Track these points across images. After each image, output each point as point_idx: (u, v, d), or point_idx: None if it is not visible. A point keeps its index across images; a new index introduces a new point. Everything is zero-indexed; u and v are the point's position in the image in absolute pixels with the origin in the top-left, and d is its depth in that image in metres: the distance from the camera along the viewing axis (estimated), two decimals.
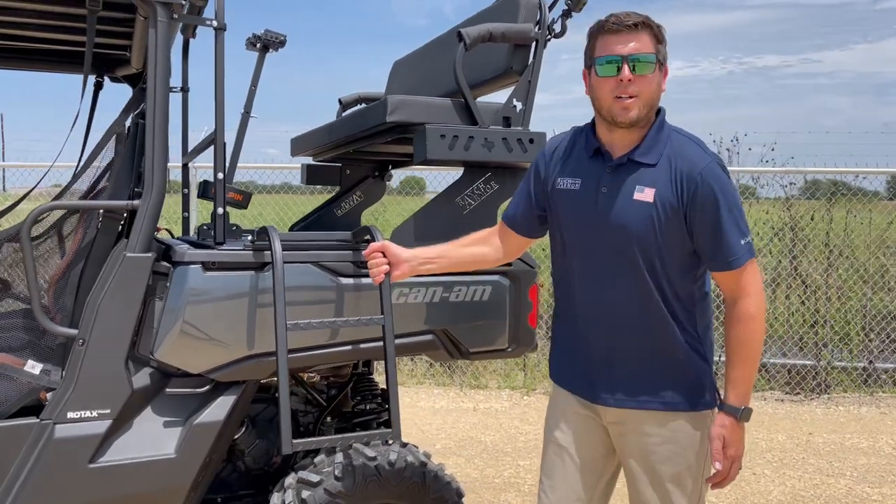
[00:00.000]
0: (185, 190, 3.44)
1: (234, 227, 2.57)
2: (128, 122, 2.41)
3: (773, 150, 7.33)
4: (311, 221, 3.48)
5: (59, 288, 2.23)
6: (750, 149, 7.32)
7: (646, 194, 1.86)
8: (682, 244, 1.88)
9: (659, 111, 1.94)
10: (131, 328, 2.19)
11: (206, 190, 2.88)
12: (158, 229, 3.25)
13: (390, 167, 3.54)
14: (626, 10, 1.85)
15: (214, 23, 2.32)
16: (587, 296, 1.98)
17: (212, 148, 2.32)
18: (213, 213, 2.37)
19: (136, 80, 3.48)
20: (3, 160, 8.76)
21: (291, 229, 3.54)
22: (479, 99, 3.15)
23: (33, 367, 2.17)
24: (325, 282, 2.35)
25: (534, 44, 2.64)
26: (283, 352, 2.15)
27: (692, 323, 1.96)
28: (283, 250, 2.30)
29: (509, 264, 2.58)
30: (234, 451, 2.68)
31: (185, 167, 3.52)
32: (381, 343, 2.41)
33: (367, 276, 2.39)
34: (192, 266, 2.22)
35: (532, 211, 2.12)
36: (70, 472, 2.11)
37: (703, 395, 1.96)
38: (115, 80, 3.55)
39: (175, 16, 2.30)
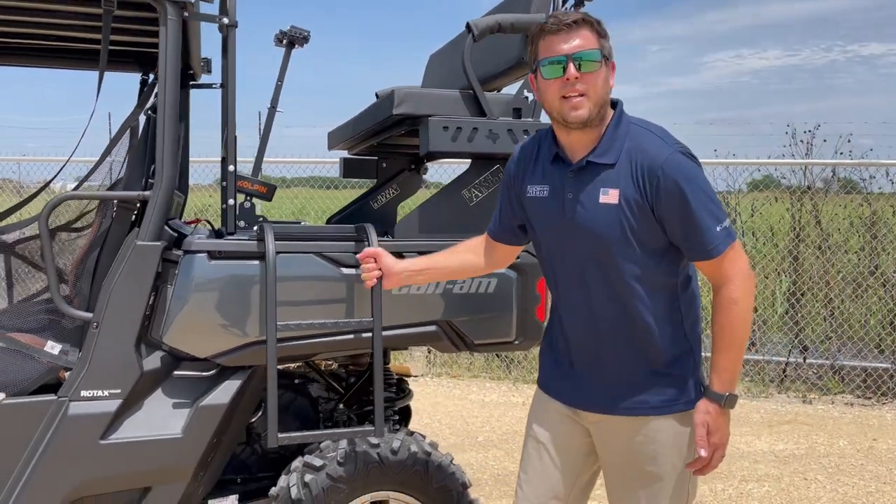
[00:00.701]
0: (224, 183, 3.56)
1: (262, 218, 2.66)
2: (142, 117, 2.53)
3: (849, 141, 6.99)
4: (348, 214, 3.55)
5: (78, 274, 2.36)
6: (825, 140, 6.98)
7: (610, 196, 1.82)
8: (657, 239, 1.84)
9: (615, 105, 1.89)
10: (141, 313, 2.29)
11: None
12: (197, 221, 3.39)
13: (425, 160, 3.58)
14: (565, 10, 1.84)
15: (226, 20, 2.41)
16: (567, 301, 1.96)
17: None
18: (223, 205, 2.46)
19: (184, 79, 3.63)
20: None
21: (328, 222, 3.62)
22: (504, 90, 3.15)
23: (53, 347, 2.31)
24: (327, 272, 2.40)
25: None
26: (272, 343, 2.22)
27: (677, 320, 1.91)
28: (288, 240, 2.37)
29: (518, 256, 2.58)
30: (251, 434, 2.78)
31: (223, 160, 3.65)
32: (390, 332, 2.46)
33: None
34: (199, 255, 2.32)
35: (512, 220, 2.09)
36: (82, 447, 2.24)
37: (690, 394, 1.91)
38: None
39: (186, 14, 2.39)
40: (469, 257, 2.19)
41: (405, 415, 3.23)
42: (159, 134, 2.33)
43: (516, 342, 2.61)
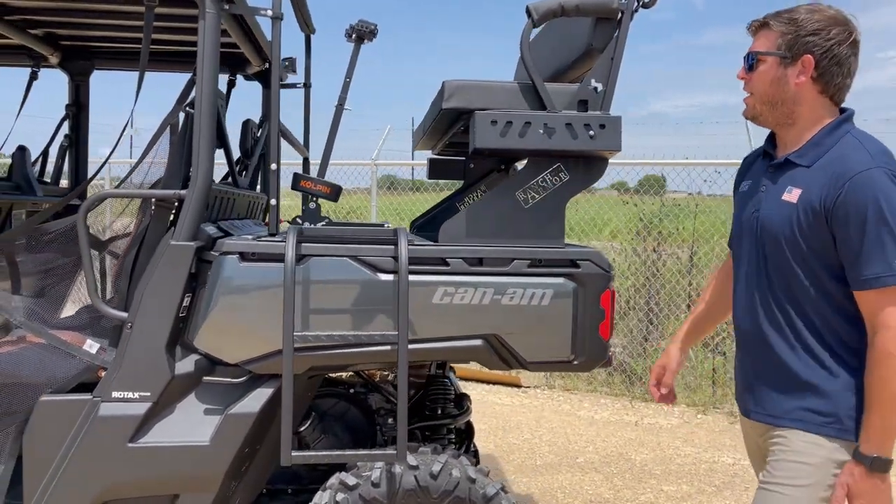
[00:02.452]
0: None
1: (326, 220, 2.55)
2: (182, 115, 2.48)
3: None
4: (432, 217, 3.39)
5: (118, 272, 2.34)
6: None
7: (792, 195, 1.86)
8: (827, 252, 1.80)
9: (843, 112, 1.91)
10: (173, 315, 2.23)
11: (296, 182, 2.90)
12: (280, 221, 3.36)
13: (515, 161, 3.36)
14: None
15: (270, 12, 2.31)
16: (738, 305, 2.03)
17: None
18: (267, 204, 2.36)
19: (267, 78, 3.62)
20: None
21: (412, 225, 3.48)
22: None
23: (91, 346, 2.30)
24: (363, 277, 2.24)
25: (619, 16, 2.34)
26: (288, 353, 2.10)
27: (838, 342, 1.84)
28: (322, 244, 2.24)
29: (577, 265, 2.31)
30: (301, 444, 2.67)
31: (305, 161, 3.60)
32: (431, 345, 2.27)
33: (414, 272, 2.25)
34: (230, 256, 2.23)
35: None
36: (111, 448, 2.21)
37: (842, 422, 1.81)
38: (248, 78, 3.73)
39: (226, 6, 2.32)
40: (725, 284, 2.21)
41: (466, 433, 3.02)
42: (196, 132, 2.27)
43: (575, 361, 2.34)
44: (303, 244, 2.24)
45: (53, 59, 3.43)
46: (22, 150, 3.18)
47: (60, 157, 3.51)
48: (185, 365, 2.30)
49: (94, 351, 2.29)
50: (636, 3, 2.36)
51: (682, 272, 7.39)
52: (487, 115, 2.25)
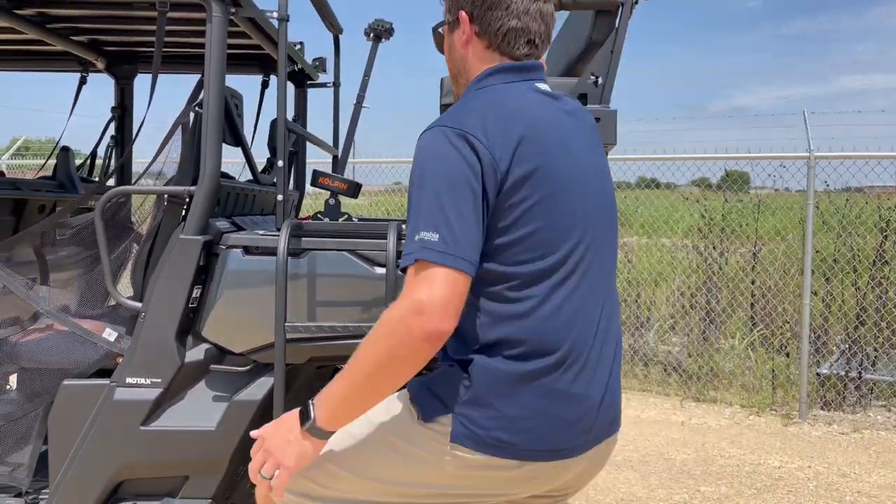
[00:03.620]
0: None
1: (346, 216, 2.63)
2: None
3: None
4: None
5: (134, 265, 2.48)
6: None
7: None
8: None
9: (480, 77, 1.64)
10: (182, 306, 2.35)
11: (315, 179, 2.99)
12: (307, 217, 3.46)
13: None
14: None
15: (276, 13, 2.39)
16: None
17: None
18: (275, 200, 2.45)
19: (301, 79, 3.73)
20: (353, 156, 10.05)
21: None
22: None
23: (110, 334, 2.44)
24: (359, 271, 2.30)
25: (619, 9, 2.32)
26: (279, 344, 2.17)
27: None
28: (320, 237, 2.31)
29: None
30: None
31: (334, 159, 3.69)
32: None
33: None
34: (234, 250, 2.32)
35: None
36: (124, 431, 2.33)
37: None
38: None
39: (232, 10, 2.41)
40: None
41: None
42: (203, 130, 2.37)
43: None
44: (303, 238, 2.31)
45: (100, 64, 3.62)
46: (65, 151, 3.38)
47: (107, 157, 3.70)
48: (195, 354, 2.41)
49: (112, 339, 2.43)
50: None
51: (746, 271, 7.20)
52: None
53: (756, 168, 7.03)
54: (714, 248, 7.21)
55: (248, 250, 2.33)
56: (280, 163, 2.46)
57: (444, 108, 2.42)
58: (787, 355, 6.47)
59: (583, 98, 2.33)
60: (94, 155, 3.76)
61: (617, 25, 2.33)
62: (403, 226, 2.40)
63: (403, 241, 2.24)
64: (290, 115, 3.73)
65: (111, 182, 3.85)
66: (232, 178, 3.51)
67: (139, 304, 2.39)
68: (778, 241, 7.59)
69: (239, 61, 3.61)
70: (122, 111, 3.74)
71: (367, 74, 3.16)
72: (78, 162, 3.66)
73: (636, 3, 2.38)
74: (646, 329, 7.25)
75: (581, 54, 2.50)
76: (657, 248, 8.72)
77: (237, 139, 2.83)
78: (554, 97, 1.69)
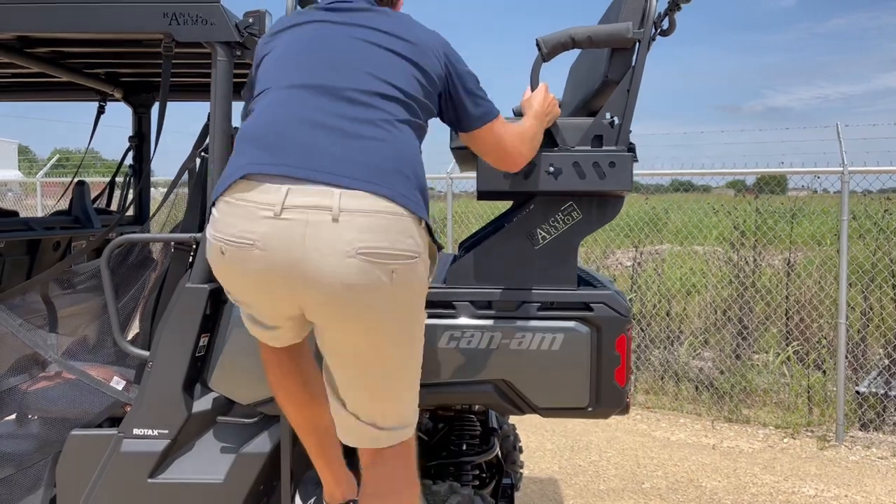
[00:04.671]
0: None
1: None
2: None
3: None
4: (482, 237, 3.35)
5: (143, 312, 2.44)
6: None
7: None
8: None
9: None
10: (189, 355, 2.30)
11: None
12: None
13: None
14: None
15: None
16: None
17: None
18: None
19: None
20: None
21: (461, 245, 3.46)
22: None
23: (118, 382, 2.41)
24: None
25: (635, 46, 2.23)
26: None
27: None
28: None
29: (590, 308, 2.22)
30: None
31: None
32: (437, 389, 2.25)
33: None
34: None
35: None
36: (132, 483, 2.30)
37: None
38: None
39: (238, 53, 2.36)
40: None
41: (497, 470, 2.96)
42: (211, 174, 2.33)
43: (589, 408, 2.25)
44: None
45: (117, 94, 3.61)
46: (81, 185, 3.37)
47: (125, 187, 3.69)
48: (203, 404, 2.36)
49: (120, 387, 2.40)
50: (653, 31, 2.24)
51: (780, 282, 7.02)
52: None
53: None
54: (747, 262, 7.03)
55: None
56: None
57: (454, 151, 2.34)
58: (825, 372, 6.28)
59: (598, 140, 2.24)
60: (112, 184, 3.75)
61: (633, 63, 2.23)
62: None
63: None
64: None
65: (130, 212, 3.84)
66: None
67: (147, 353, 2.35)
68: (815, 248, 7.37)
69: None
70: (140, 140, 3.72)
71: None
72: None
73: (653, 39, 2.28)
74: (677, 343, 7.10)
75: (597, 91, 2.41)
76: (689, 257, 8.56)
77: None
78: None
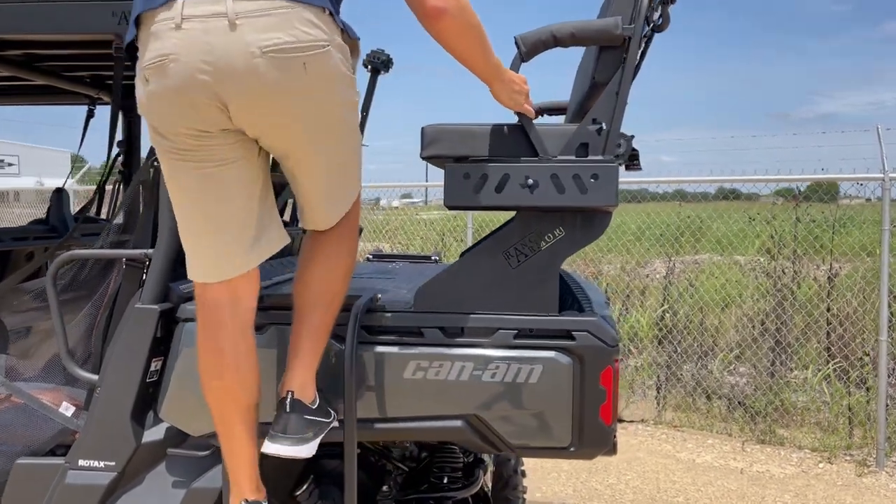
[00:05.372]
0: None
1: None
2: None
3: None
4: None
5: (95, 333, 2.28)
6: None
7: None
8: None
9: None
10: (137, 381, 2.13)
11: None
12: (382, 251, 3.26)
13: None
14: None
15: None
16: None
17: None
18: None
19: None
20: (427, 180, 9.94)
21: (462, 255, 3.25)
22: None
23: (67, 408, 2.25)
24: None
25: (625, 43, 1.99)
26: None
27: None
28: (279, 309, 2.05)
29: (572, 337, 1.99)
30: None
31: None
32: (404, 424, 2.04)
33: (384, 342, 2.03)
34: (189, 323, 2.10)
35: None
36: None
37: None
38: None
39: None
40: None
41: (483, 502, 2.74)
42: (163, 185, 2.16)
43: (571, 448, 2.02)
44: (268, 311, 2.07)
45: (106, 98, 3.49)
46: (59, 193, 3.24)
47: (115, 193, 3.56)
48: (154, 434, 2.19)
49: (69, 413, 2.24)
50: (645, 28, 2.00)
51: (821, 295, 6.64)
52: (459, 168, 1.98)
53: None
54: (784, 273, 6.66)
55: None
56: None
57: (426, 160, 2.13)
58: (868, 390, 5.90)
59: (583, 148, 2.01)
60: (101, 191, 3.62)
61: (623, 63, 1.99)
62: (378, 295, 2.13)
63: (379, 314, 2.00)
64: None
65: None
66: None
67: (96, 377, 2.19)
68: (864, 259, 6.96)
69: None
70: (130, 145, 3.59)
71: (365, 110, 2.89)
72: None
73: (646, 35, 2.04)
74: (710, 358, 6.76)
75: (587, 94, 2.17)
76: (728, 267, 8.19)
77: None
78: None
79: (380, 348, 2.01)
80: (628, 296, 8.05)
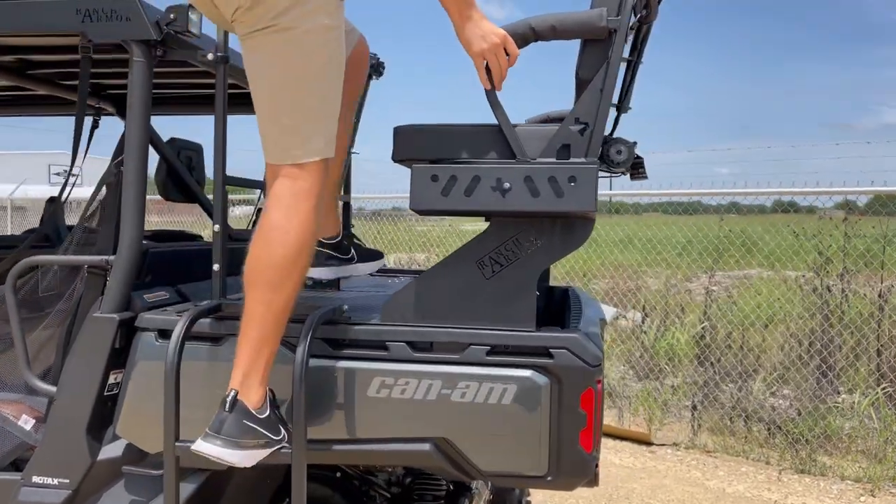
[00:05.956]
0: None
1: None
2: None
3: None
4: None
5: (56, 343, 2.18)
6: None
7: None
8: None
9: None
10: (93, 395, 2.03)
11: None
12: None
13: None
14: None
15: (210, 55, 2.05)
16: None
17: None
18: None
19: None
20: None
21: None
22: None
23: (26, 421, 2.16)
24: (281, 361, 1.88)
25: (611, 35, 1.82)
26: (169, 448, 1.80)
27: None
28: (234, 320, 1.92)
29: (549, 355, 1.82)
30: None
31: (346, 206, 3.32)
32: (367, 447, 1.89)
33: (347, 357, 1.88)
34: (146, 333, 1.98)
35: None
36: None
37: None
38: None
39: (159, 52, 2.09)
40: None
41: None
42: (124, 190, 2.06)
43: (548, 478, 1.83)
44: (224, 322, 1.94)
45: (109, 108, 3.44)
46: (52, 201, 3.19)
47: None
48: (112, 450, 2.08)
49: (28, 427, 2.15)
50: (631, 18, 1.83)
51: (872, 314, 6.27)
52: (427, 169, 1.83)
53: None
54: (829, 290, 6.32)
55: (162, 334, 1.98)
56: (217, 227, 2.09)
57: (399, 163, 1.99)
58: None
59: (565, 150, 1.84)
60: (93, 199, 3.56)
61: (609, 58, 1.82)
62: (345, 307, 1.99)
63: (343, 325, 1.85)
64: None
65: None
66: (196, 236, 3.22)
67: (54, 389, 2.09)
68: None
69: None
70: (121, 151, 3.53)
71: (356, 117, 2.76)
72: None
73: (633, 27, 1.87)
74: (751, 378, 6.44)
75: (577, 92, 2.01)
76: (777, 284, 7.84)
77: (192, 196, 2.52)
78: None
79: (341, 363, 1.87)
80: (667, 312, 7.78)
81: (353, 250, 2.38)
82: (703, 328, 6.89)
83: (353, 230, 3.20)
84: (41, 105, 3.52)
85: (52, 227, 3.12)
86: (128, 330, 2.05)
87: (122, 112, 3.51)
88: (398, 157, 1.93)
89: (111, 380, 2.06)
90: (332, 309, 1.90)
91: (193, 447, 1.75)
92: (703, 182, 6.83)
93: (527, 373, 1.82)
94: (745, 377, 6.30)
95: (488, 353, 1.84)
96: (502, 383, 1.82)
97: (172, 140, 2.64)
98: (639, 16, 1.87)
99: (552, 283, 3.00)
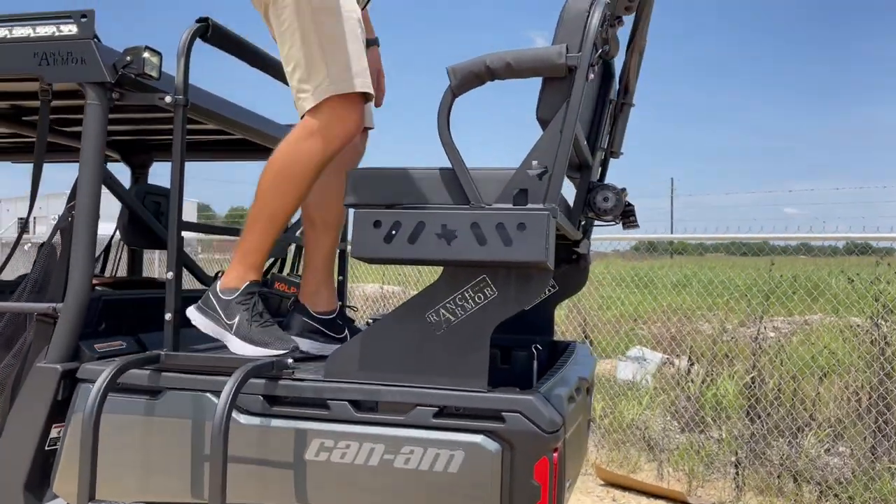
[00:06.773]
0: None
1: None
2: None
3: None
4: None
5: (3, 394, 2.11)
6: None
7: None
8: None
9: None
10: (31, 449, 1.94)
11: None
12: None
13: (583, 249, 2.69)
14: None
15: (168, 99, 1.98)
16: None
17: None
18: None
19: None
20: None
21: None
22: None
23: None
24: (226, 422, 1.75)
25: (570, 73, 1.68)
26: None
27: None
28: (186, 372, 1.81)
29: (501, 419, 1.65)
30: None
31: (342, 254, 3.21)
32: None
33: (285, 415, 1.75)
34: (85, 384, 1.89)
35: None
36: None
37: None
38: None
39: (115, 96, 2.03)
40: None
41: None
42: (74, 234, 1.99)
43: None
44: (163, 374, 1.84)
45: (115, 155, 3.43)
46: (42, 247, 3.17)
47: (119, 250, 3.46)
48: None
49: None
50: (593, 56, 1.68)
51: None
52: (369, 214, 1.70)
53: None
54: (888, 340, 5.90)
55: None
56: (170, 274, 2.00)
57: (350, 207, 1.87)
58: None
59: (522, 195, 1.69)
60: (107, 247, 3.54)
61: (569, 98, 1.68)
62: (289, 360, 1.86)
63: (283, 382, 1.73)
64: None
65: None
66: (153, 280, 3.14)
67: None
68: None
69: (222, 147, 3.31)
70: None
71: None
72: None
73: (594, 64, 1.72)
74: (802, 434, 6.03)
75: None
76: (840, 330, 7.41)
77: (159, 242, 2.45)
78: None
79: (277, 421, 1.74)
80: (714, 359, 7.43)
81: (346, 329, 2.28)
82: (751, 378, 6.53)
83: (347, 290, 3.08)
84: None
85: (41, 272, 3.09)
86: (72, 381, 1.96)
87: (128, 160, 3.50)
88: (349, 202, 1.81)
89: (53, 433, 1.97)
90: (270, 363, 1.78)
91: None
92: (776, 225, 6.58)
93: (476, 438, 1.65)
94: (794, 432, 5.91)
95: (435, 416, 1.68)
96: (449, 449, 1.66)
97: (138, 185, 2.59)
98: (599, 51, 1.72)
99: (585, 329, 2.82)
